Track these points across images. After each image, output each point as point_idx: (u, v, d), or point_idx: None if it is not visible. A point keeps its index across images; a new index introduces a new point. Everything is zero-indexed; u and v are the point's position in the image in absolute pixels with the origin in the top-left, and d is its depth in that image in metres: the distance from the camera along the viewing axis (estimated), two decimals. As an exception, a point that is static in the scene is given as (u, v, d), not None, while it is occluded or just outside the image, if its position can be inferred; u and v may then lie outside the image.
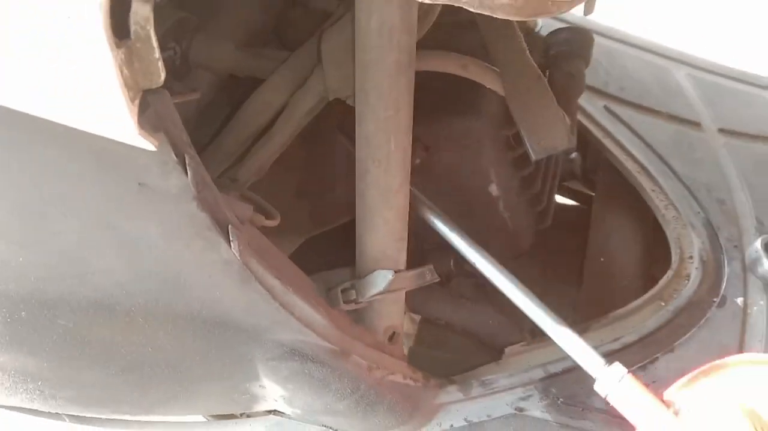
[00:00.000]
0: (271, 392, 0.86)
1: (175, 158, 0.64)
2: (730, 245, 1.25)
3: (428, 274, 0.93)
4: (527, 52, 0.97)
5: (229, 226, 0.70)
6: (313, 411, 0.89)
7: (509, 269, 1.43)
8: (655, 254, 1.38)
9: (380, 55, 0.73)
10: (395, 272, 0.87)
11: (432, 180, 1.08)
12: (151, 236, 0.69)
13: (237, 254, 0.70)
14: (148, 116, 0.62)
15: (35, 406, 0.84)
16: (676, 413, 0.73)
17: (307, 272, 0.87)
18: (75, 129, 0.57)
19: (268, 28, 1.07)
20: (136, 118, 0.56)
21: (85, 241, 0.68)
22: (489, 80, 0.97)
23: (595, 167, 1.53)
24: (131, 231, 0.69)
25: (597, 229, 1.42)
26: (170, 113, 0.67)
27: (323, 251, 1.17)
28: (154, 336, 0.76)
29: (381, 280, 0.82)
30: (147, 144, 0.60)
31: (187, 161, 0.65)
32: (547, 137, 0.91)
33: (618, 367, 0.77)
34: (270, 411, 0.92)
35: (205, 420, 0.93)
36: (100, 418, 0.88)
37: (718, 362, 0.78)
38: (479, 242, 1.19)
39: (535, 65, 0.97)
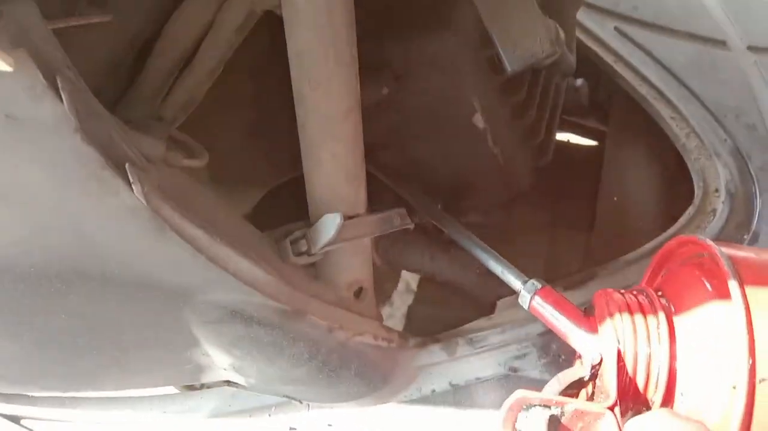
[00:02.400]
0: (218, 360, 0.75)
1: (44, 80, 0.53)
2: (763, 174, 1.09)
3: (397, 218, 0.80)
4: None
5: (127, 164, 0.58)
6: (268, 380, 0.78)
7: (515, 217, 1.31)
8: (678, 191, 1.24)
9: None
10: (354, 216, 0.74)
11: (407, 114, 0.94)
12: (40, 182, 0.57)
13: (142, 199, 0.59)
14: (2, 28, 0.50)
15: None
16: (588, 312, 0.71)
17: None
18: None
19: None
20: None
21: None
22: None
23: (607, 98, 1.37)
24: (15, 177, 0.57)
25: (610, 165, 1.26)
26: (37, 25, 0.54)
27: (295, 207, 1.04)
28: (64, 301, 0.65)
29: (330, 225, 0.69)
30: (1, 64, 0.49)
31: (59, 84, 0.53)
32: (523, 42, 0.76)
33: (535, 282, 0.77)
34: (226, 382, 0.81)
35: (147, 395, 0.82)
36: (32, 397, 0.78)
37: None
38: (469, 183, 1.06)
39: None
